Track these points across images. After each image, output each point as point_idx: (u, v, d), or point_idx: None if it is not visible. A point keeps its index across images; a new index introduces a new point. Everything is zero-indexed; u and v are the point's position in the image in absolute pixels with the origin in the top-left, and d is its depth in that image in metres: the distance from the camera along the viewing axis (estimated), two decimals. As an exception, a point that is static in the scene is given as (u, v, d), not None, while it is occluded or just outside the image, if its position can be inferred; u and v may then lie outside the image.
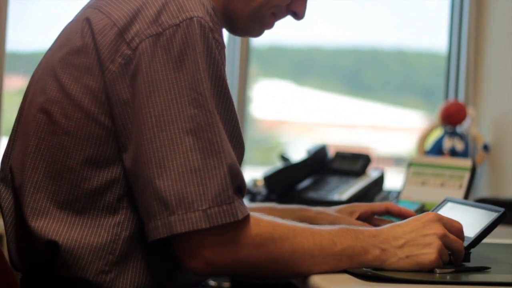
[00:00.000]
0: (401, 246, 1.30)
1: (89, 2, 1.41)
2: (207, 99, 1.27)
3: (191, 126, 1.25)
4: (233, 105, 1.32)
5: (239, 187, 1.28)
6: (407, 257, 1.29)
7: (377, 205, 1.65)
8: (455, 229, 1.34)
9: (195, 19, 1.28)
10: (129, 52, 1.28)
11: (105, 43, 1.30)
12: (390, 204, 1.63)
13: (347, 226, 1.32)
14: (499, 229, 1.43)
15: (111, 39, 1.29)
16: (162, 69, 1.26)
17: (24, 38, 2.77)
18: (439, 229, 1.31)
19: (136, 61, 1.27)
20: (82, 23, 1.34)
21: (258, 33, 1.51)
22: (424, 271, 1.29)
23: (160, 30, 1.27)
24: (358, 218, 1.63)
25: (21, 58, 2.84)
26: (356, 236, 1.31)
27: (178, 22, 1.27)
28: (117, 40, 1.29)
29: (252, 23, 1.47)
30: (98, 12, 1.34)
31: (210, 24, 1.29)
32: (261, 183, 2.58)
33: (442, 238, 1.30)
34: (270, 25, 1.51)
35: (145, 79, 1.26)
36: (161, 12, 1.28)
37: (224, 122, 1.29)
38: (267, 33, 1.55)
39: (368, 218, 1.64)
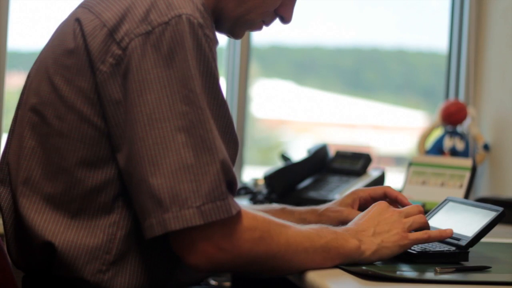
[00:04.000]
0: (373, 235, 1.36)
1: (81, 1, 1.41)
2: (198, 96, 1.27)
3: (183, 124, 1.25)
4: (225, 101, 1.32)
5: (230, 183, 1.28)
6: (383, 241, 1.36)
7: (376, 190, 1.63)
8: (413, 210, 1.42)
9: (184, 16, 1.27)
10: (120, 52, 1.28)
11: (96, 44, 1.30)
12: (388, 188, 1.62)
13: (324, 225, 1.38)
14: (499, 229, 1.43)
15: (101, 40, 1.29)
16: (152, 67, 1.26)
17: (25, 37, 2.77)
18: (392, 212, 1.40)
19: (126, 60, 1.27)
20: (74, 24, 1.34)
21: (241, 35, 1.51)
22: (406, 249, 1.37)
23: (150, 28, 1.27)
24: (359, 207, 1.62)
25: (22, 56, 2.84)
26: (334, 231, 1.36)
27: (167, 20, 1.27)
28: (107, 41, 1.29)
29: (239, 26, 1.47)
30: (88, 12, 1.34)
31: (200, 20, 1.29)
32: (261, 183, 2.58)
33: (400, 215, 1.39)
34: (257, 29, 1.52)
35: (136, 78, 1.26)
36: (150, 10, 1.28)
37: (216, 118, 1.29)
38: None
39: (368, 204, 1.64)
